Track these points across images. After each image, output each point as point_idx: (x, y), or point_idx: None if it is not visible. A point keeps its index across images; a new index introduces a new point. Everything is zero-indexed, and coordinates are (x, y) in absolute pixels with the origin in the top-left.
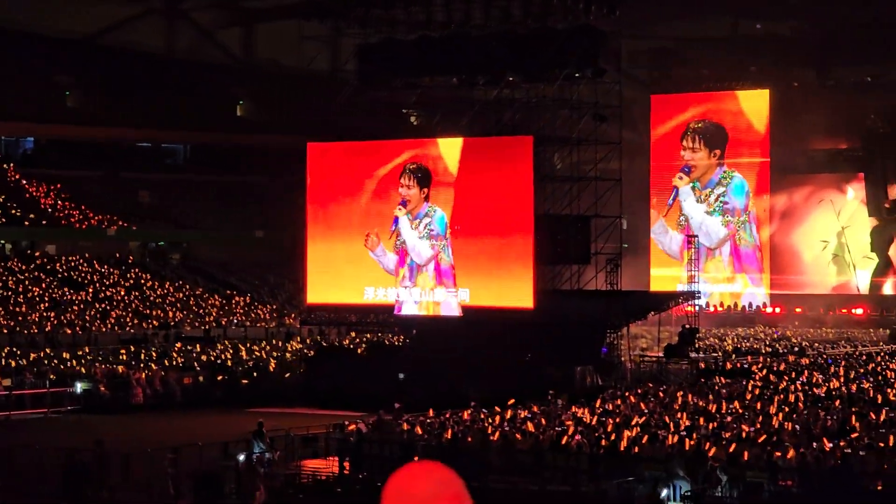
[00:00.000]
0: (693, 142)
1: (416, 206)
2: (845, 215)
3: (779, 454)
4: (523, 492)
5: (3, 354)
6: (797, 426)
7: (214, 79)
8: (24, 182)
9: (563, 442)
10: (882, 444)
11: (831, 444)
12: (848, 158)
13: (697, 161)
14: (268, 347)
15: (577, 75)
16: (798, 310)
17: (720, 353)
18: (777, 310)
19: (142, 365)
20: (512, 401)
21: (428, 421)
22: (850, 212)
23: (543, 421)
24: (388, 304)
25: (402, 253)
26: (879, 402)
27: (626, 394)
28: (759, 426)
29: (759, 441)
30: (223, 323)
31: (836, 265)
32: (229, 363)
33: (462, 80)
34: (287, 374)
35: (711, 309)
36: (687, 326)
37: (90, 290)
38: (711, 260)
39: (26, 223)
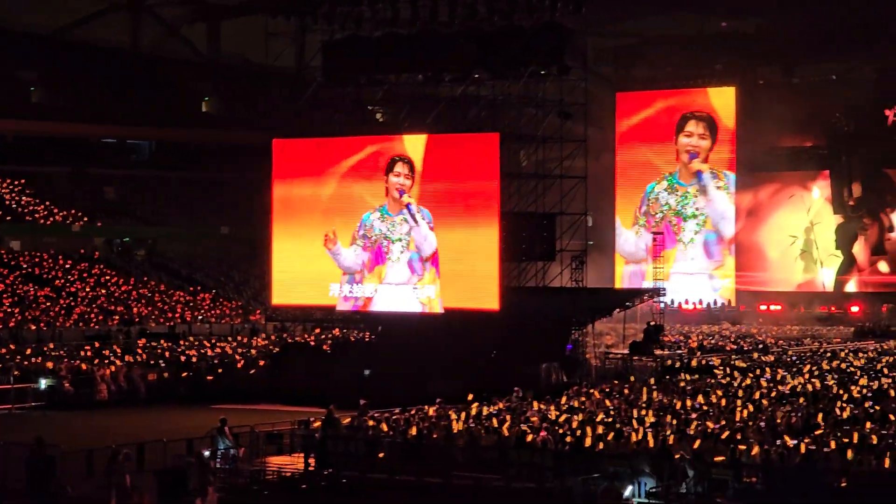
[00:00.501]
0: (698, 127)
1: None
2: (811, 213)
3: (743, 450)
4: (488, 488)
5: None
6: (762, 423)
7: (180, 75)
8: None
9: (528, 439)
10: (847, 441)
11: (795, 441)
12: (813, 156)
13: (702, 148)
14: (233, 344)
15: (542, 73)
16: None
17: (685, 350)
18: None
19: (106, 361)
20: (472, 400)
21: (393, 417)
22: (815, 210)
23: (508, 417)
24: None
25: (378, 249)
26: (844, 398)
27: (592, 390)
28: (723, 423)
29: (724, 437)
30: (188, 319)
31: (803, 261)
32: (194, 359)
33: (428, 77)
34: (252, 371)
35: (690, 307)
36: (652, 323)
37: (55, 286)
38: (682, 254)
39: None
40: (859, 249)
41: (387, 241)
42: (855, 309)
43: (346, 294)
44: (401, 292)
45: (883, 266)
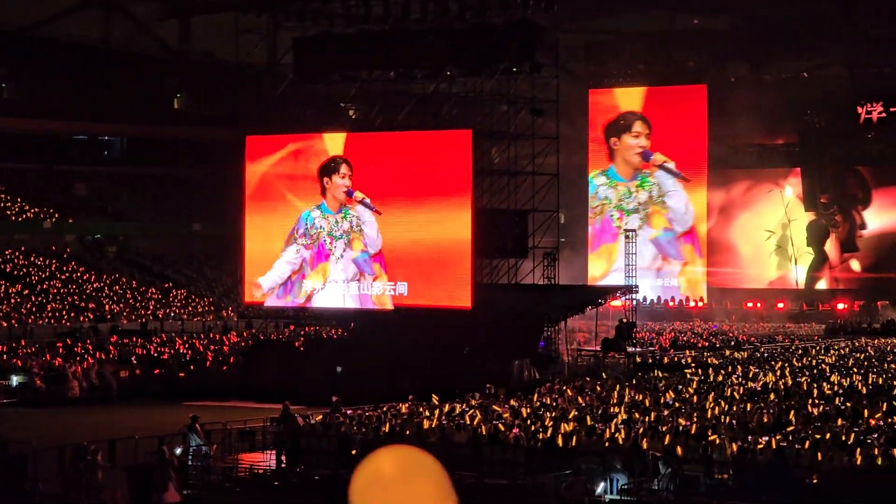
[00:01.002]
0: (644, 127)
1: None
2: (787, 209)
3: (715, 447)
4: (461, 484)
5: None
6: (733, 420)
7: (151, 71)
8: None
9: (501, 435)
10: (818, 438)
11: (767, 438)
12: (784, 153)
13: (646, 147)
14: (205, 341)
15: (514, 70)
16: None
17: (657, 347)
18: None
19: (78, 358)
20: (445, 397)
21: (366, 414)
22: (789, 206)
23: (479, 414)
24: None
25: (320, 246)
26: (815, 395)
27: (564, 387)
28: (695, 420)
29: (695, 434)
30: (160, 316)
31: (778, 257)
32: (166, 357)
33: (400, 74)
34: (224, 368)
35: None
36: (624, 320)
37: (26, 282)
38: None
39: None
40: (831, 247)
41: (329, 238)
42: (841, 306)
43: (279, 292)
44: (346, 289)
45: (854, 264)
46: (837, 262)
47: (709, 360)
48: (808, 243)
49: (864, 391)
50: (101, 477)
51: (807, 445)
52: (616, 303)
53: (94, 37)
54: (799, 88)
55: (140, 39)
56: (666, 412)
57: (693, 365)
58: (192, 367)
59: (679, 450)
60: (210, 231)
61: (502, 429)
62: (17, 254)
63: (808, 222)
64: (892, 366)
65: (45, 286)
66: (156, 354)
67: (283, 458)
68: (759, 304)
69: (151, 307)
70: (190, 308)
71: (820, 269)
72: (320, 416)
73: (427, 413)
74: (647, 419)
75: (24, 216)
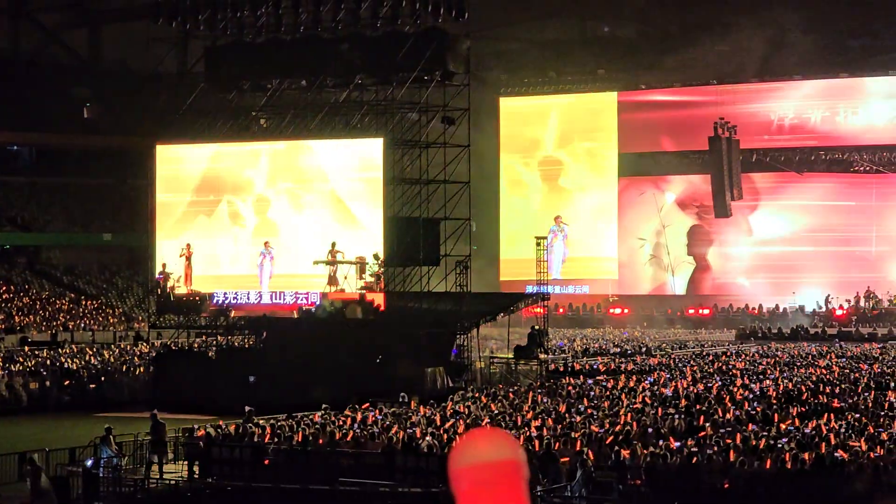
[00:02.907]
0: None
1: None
2: (662, 215)
3: (627, 453)
4: (375, 494)
5: None
6: (645, 425)
7: (61, 80)
8: None
9: (414, 443)
10: (729, 443)
11: (679, 443)
12: (695, 160)
13: None
14: (116, 351)
15: (425, 78)
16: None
17: (569, 354)
18: (626, 310)
19: None
20: (367, 405)
21: (279, 424)
22: (666, 212)
23: (394, 423)
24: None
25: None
26: (726, 400)
27: (477, 395)
28: (607, 426)
29: (608, 441)
30: (71, 327)
31: (653, 266)
32: (76, 368)
33: (311, 83)
34: (135, 379)
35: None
36: (536, 328)
37: None
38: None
39: None
40: (716, 253)
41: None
42: (705, 311)
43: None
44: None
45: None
46: (721, 269)
47: (621, 367)
48: (689, 251)
49: (775, 396)
50: (44, 482)
51: (717, 450)
52: (528, 310)
53: (2, 46)
54: (710, 94)
55: (50, 48)
56: (578, 419)
57: (605, 371)
58: (102, 379)
59: (591, 456)
60: (121, 241)
61: (417, 436)
62: None
63: (688, 228)
64: (802, 370)
65: None
66: (66, 366)
67: (196, 468)
68: (669, 310)
69: (62, 318)
70: (101, 318)
71: (702, 275)
72: (234, 426)
73: (340, 422)
74: (559, 426)
75: None
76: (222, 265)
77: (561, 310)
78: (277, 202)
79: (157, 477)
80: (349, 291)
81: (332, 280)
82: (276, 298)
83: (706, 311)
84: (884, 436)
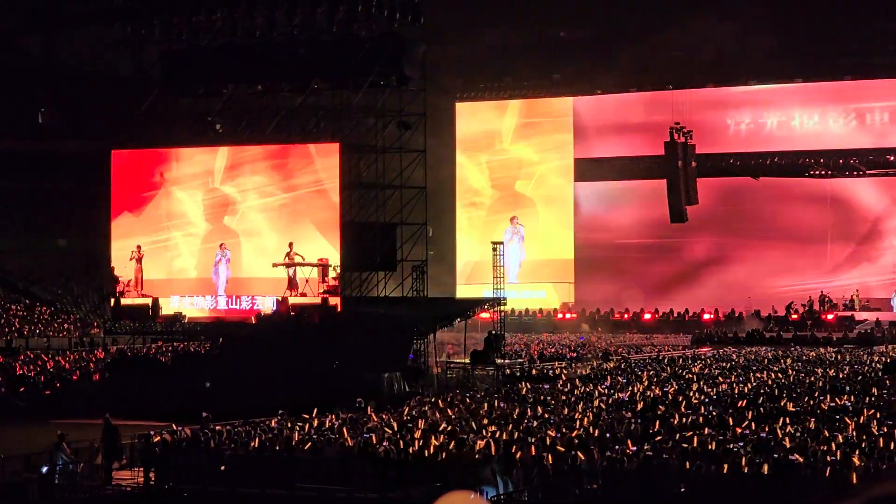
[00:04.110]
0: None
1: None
2: None
3: (583, 458)
4: (331, 499)
5: None
6: (601, 430)
7: (15, 85)
8: None
9: (371, 449)
10: (685, 447)
11: (635, 448)
12: (650, 165)
13: None
14: (71, 358)
15: (381, 83)
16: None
17: (526, 359)
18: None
19: None
20: (315, 411)
21: (236, 430)
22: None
23: (351, 428)
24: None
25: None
26: (682, 405)
27: (434, 400)
28: (564, 430)
29: (565, 445)
30: (25, 333)
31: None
32: (31, 374)
33: (267, 87)
34: (91, 385)
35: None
36: (493, 332)
37: None
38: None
39: None
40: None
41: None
42: (707, 316)
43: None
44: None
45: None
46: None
47: (577, 371)
48: None
49: (730, 400)
50: None
51: (673, 454)
52: (484, 315)
53: None
54: (666, 100)
55: (4, 53)
56: (535, 423)
57: (561, 376)
58: (58, 385)
59: (548, 460)
60: (76, 246)
61: (374, 442)
62: None
63: None
64: (758, 374)
65: None
66: (21, 372)
67: (152, 474)
68: (626, 315)
69: (17, 324)
70: (56, 324)
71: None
72: (190, 432)
73: (297, 427)
74: (516, 431)
75: None
76: (176, 268)
77: (514, 314)
78: (234, 206)
79: (112, 482)
80: (310, 296)
81: (292, 283)
82: (232, 304)
83: (648, 315)
84: (839, 438)
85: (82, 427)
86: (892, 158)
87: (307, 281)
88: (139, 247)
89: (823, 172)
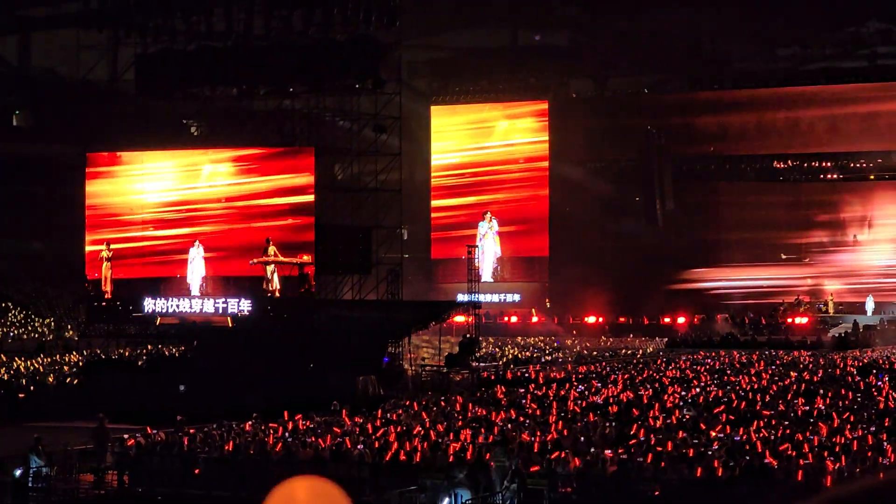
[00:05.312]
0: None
1: None
2: None
3: (558, 461)
4: None
5: None
6: (576, 433)
7: None
8: None
9: (345, 452)
10: (660, 450)
11: (609, 451)
12: (626, 169)
13: None
14: (46, 360)
15: (357, 86)
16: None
17: (500, 363)
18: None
19: None
20: (287, 414)
21: (210, 433)
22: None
23: (325, 431)
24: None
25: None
26: (657, 408)
27: (408, 403)
28: (538, 434)
29: (539, 449)
30: None
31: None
32: (5, 377)
33: (243, 91)
34: (65, 388)
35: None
36: (467, 336)
37: None
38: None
39: None
40: None
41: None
42: (682, 320)
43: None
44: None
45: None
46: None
47: (551, 375)
48: None
49: (705, 404)
50: None
51: (649, 458)
52: (459, 318)
53: None
54: (640, 104)
55: None
56: (510, 427)
57: (536, 379)
58: (32, 388)
59: (523, 464)
60: (51, 249)
61: (348, 445)
62: None
63: None
64: (732, 378)
65: None
66: None
67: (126, 478)
68: (601, 319)
69: None
70: (30, 327)
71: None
72: (163, 435)
73: (271, 430)
74: (490, 437)
75: None
76: (149, 266)
77: (484, 319)
78: (209, 208)
79: (94, 483)
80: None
81: (270, 281)
82: (207, 305)
83: (622, 319)
84: (814, 441)
85: (56, 430)
86: (864, 164)
87: (278, 290)
88: (108, 244)
89: (796, 176)
